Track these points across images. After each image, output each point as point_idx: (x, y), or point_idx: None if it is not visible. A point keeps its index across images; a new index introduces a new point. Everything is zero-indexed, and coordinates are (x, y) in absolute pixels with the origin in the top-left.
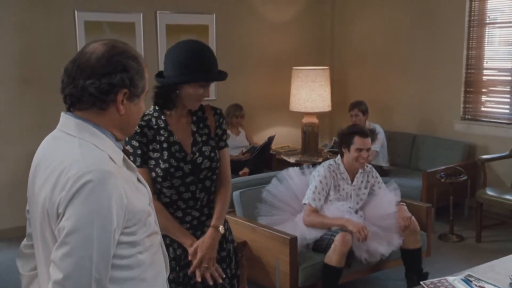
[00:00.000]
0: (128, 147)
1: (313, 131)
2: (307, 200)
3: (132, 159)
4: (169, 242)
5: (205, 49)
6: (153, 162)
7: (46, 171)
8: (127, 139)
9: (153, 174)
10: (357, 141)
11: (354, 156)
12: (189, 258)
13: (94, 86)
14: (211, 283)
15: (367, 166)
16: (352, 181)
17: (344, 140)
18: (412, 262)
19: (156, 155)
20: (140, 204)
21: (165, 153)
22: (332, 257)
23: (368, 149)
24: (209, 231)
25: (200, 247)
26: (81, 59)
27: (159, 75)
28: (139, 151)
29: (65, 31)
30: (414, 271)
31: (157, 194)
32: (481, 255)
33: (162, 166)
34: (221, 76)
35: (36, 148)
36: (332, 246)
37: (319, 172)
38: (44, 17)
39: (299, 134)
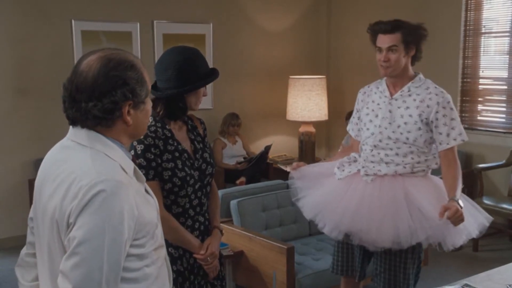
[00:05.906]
0: (141, 160)
1: (310, 140)
2: None
3: (144, 172)
4: (182, 253)
5: (195, 52)
6: (169, 172)
7: (56, 180)
8: (139, 152)
9: (169, 185)
10: (378, 39)
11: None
12: (200, 252)
13: (97, 108)
14: (213, 275)
15: (436, 87)
16: (393, 94)
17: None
18: None
19: (170, 165)
20: (149, 215)
21: (179, 162)
22: None
23: (390, 48)
24: (214, 232)
25: (211, 244)
26: (78, 79)
27: (153, 88)
28: (153, 164)
29: (62, 40)
30: None
31: (169, 205)
32: (478, 264)
33: (180, 175)
34: (216, 72)
35: (32, 158)
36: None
37: None
38: (40, 26)
39: (296, 143)
